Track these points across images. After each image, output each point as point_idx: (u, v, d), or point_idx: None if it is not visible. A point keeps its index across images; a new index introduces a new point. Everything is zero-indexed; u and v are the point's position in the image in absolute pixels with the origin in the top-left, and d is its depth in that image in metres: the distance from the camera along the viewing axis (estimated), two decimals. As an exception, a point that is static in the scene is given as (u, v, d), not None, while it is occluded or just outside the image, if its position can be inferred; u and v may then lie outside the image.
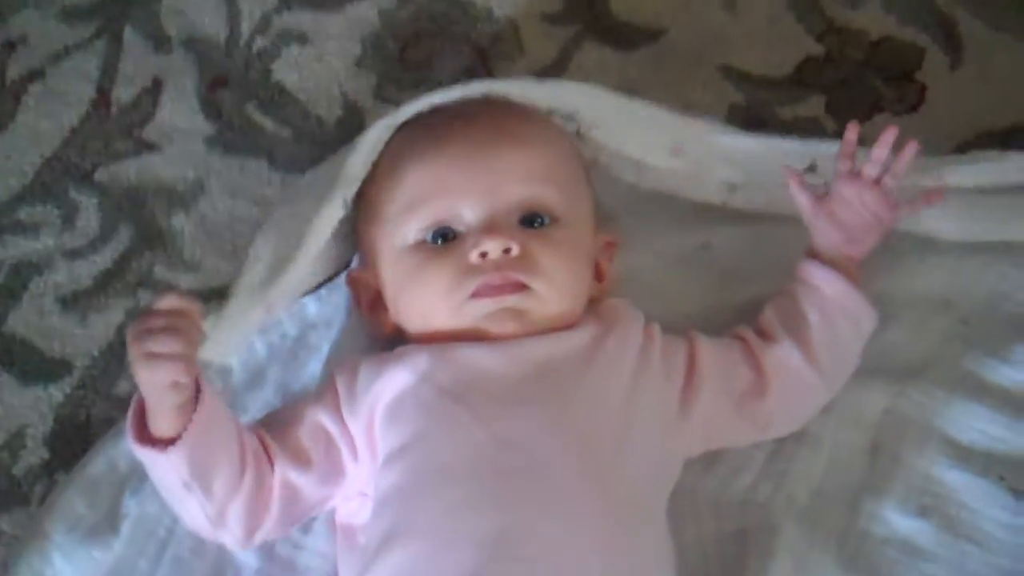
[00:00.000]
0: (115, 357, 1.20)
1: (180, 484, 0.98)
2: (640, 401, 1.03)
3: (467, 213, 1.05)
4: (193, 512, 1.01)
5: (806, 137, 1.23)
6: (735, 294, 1.18)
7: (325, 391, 1.06)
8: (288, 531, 1.06)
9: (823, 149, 1.20)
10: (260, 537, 1.03)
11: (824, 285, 1.09)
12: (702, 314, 1.16)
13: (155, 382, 0.94)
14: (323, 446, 1.03)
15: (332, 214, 1.14)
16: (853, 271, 1.10)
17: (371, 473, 1.03)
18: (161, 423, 0.96)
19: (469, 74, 1.33)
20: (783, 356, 1.08)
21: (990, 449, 1.08)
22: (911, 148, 1.10)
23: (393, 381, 1.02)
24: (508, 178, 1.06)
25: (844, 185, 1.10)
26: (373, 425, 1.02)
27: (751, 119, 1.29)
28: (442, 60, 1.35)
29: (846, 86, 1.31)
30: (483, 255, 1.03)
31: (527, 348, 1.02)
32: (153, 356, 0.93)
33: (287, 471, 1.02)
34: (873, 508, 1.06)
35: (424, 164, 1.08)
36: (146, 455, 0.98)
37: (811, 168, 1.18)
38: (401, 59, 1.36)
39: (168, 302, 0.95)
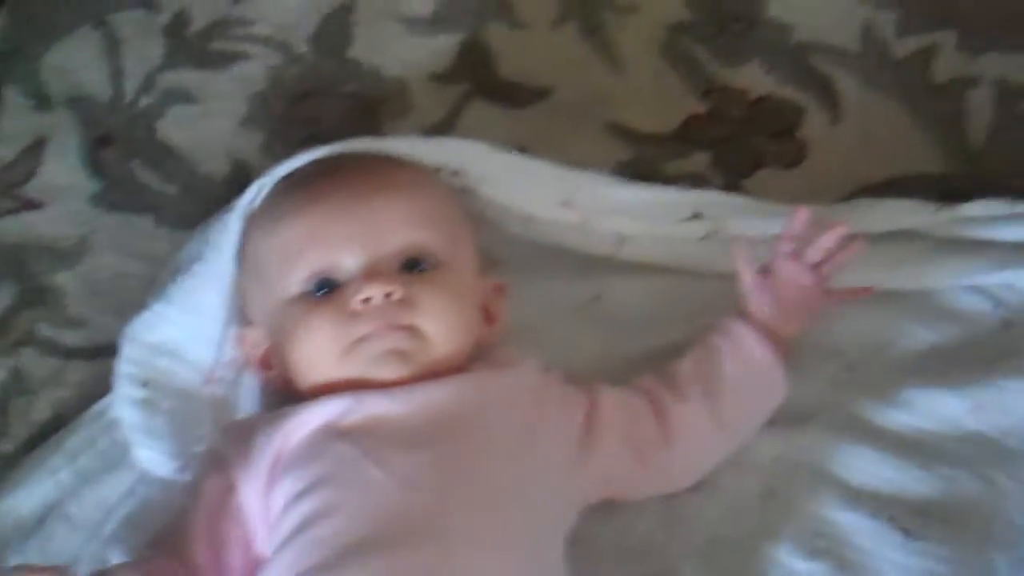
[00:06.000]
0: (-1, 418, 1.18)
1: None
2: (536, 445, 1.03)
3: (347, 262, 1.05)
4: None
5: (690, 187, 1.26)
6: (628, 345, 1.19)
7: (210, 471, 1.03)
8: None
9: (707, 198, 1.23)
10: None
11: (755, 351, 1.10)
12: (595, 365, 1.17)
13: None
14: (236, 534, 1.01)
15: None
16: (782, 345, 1.11)
17: (268, 530, 1.00)
18: None
19: (358, 131, 1.32)
20: (692, 416, 1.08)
21: (879, 490, 1.10)
22: (858, 245, 1.12)
23: (292, 432, 1.01)
24: (386, 225, 1.07)
25: (783, 265, 1.11)
26: (273, 479, 1.00)
27: (638, 175, 1.31)
28: (330, 118, 1.36)
29: (730, 142, 1.34)
30: (365, 301, 1.03)
31: (421, 392, 1.02)
32: None
33: None
34: (769, 552, 1.07)
35: (300, 216, 1.08)
36: None
37: (696, 216, 1.21)
38: (289, 117, 1.36)
39: None
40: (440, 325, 1.04)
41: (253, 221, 1.14)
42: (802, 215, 1.12)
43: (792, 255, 1.12)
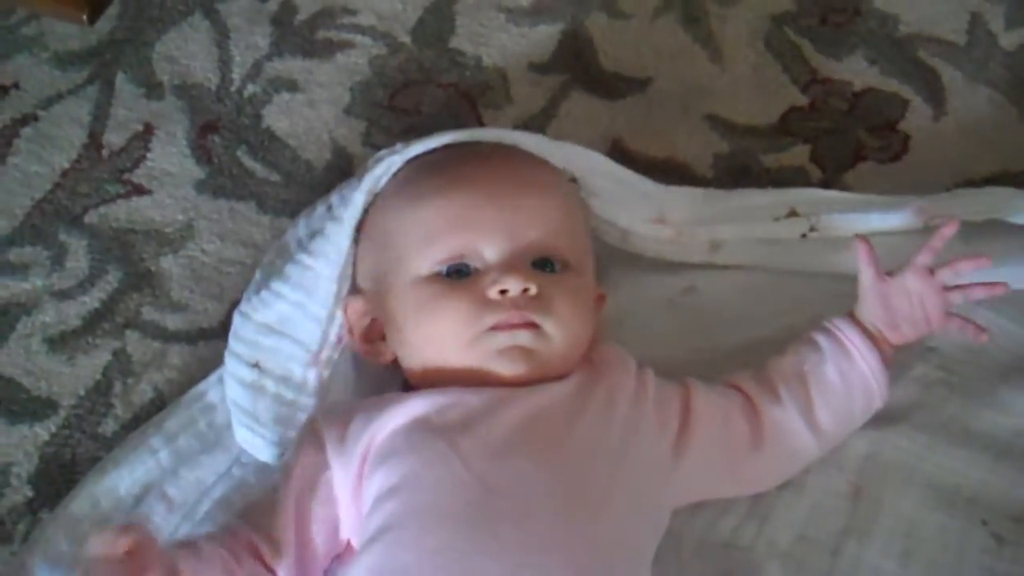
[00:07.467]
0: (101, 397, 1.20)
1: None
2: (631, 450, 1.02)
3: (487, 251, 1.06)
4: None
5: (786, 186, 1.25)
6: (721, 338, 1.19)
7: (306, 448, 1.04)
8: None
9: (802, 195, 1.22)
10: None
11: (859, 355, 1.08)
12: (689, 357, 1.17)
13: None
14: (324, 514, 1.02)
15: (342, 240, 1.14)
16: (888, 351, 1.09)
17: (357, 520, 1.02)
18: None
19: (458, 122, 1.34)
20: (785, 418, 1.07)
21: (973, 493, 1.08)
22: (999, 288, 1.09)
23: (387, 423, 1.02)
24: (529, 222, 1.07)
25: (913, 277, 1.08)
26: (364, 469, 1.02)
27: (736, 167, 1.31)
28: (430, 107, 1.37)
29: (830, 135, 1.33)
30: (503, 292, 1.04)
31: (520, 397, 1.02)
32: None
33: (290, 571, 1.00)
34: (856, 551, 1.06)
35: (445, 198, 1.08)
36: None
37: (792, 214, 1.20)
38: (390, 106, 1.38)
39: (98, 546, 0.91)
40: (564, 328, 1.05)
41: (386, 198, 1.14)
42: (948, 230, 1.09)
43: (925, 270, 1.08)
